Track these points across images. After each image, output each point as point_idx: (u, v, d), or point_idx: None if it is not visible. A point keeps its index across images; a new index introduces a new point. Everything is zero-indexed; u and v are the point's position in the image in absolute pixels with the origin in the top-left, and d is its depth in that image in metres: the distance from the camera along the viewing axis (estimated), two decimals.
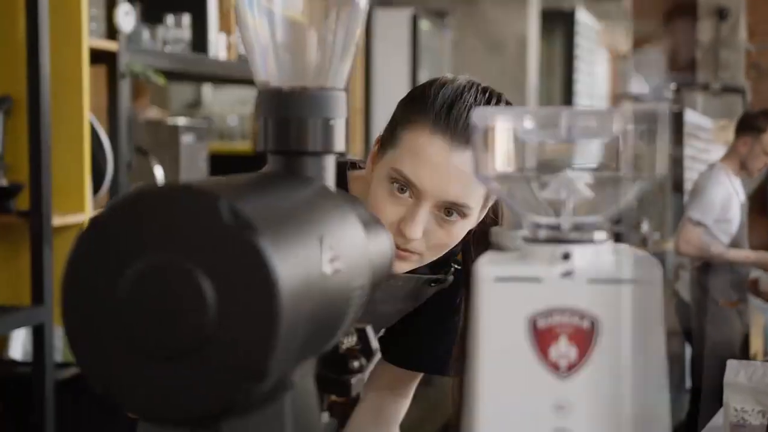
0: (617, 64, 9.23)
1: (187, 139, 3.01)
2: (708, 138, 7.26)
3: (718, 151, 8.11)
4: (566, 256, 0.67)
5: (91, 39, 2.52)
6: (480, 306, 0.67)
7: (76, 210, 2.45)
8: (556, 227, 0.70)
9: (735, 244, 4.19)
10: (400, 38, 5.60)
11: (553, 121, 0.68)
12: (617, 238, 0.72)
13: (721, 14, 9.12)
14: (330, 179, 0.79)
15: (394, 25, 5.57)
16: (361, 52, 4.65)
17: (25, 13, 2.33)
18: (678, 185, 6.76)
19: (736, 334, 4.21)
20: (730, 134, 8.10)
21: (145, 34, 2.90)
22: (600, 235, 0.69)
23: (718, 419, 2.12)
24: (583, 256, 0.68)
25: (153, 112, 3.96)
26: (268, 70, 0.78)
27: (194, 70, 3.11)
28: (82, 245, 0.62)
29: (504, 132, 0.69)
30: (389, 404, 1.51)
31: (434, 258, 1.29)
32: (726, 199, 4.12)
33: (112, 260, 0.61)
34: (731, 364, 1.94)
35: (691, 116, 6.78)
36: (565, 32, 7.07)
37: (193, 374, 0.60)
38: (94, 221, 0.62)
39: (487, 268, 0.67)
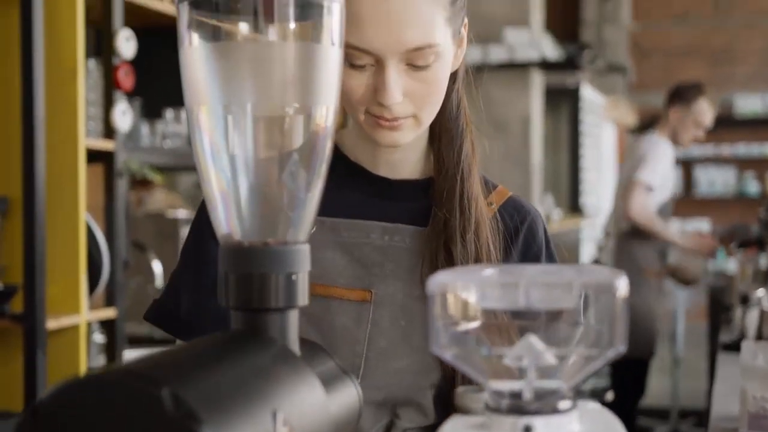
0: (624, 136, 9.27)
1: (187, 232, 3.00)
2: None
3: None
4: (528, 430, 0.65)
5: (88, 139, 2.53)
6: None
7: (71, 312, 2.44)
8: (518, 394, 0.68)
9: (661, 213, 4.21)
10: None
11: (512, 289, 0.67)
12: None
13: None
14: (293, 335, 0.77)
15: None
16: None
17: (22, 113, 2.35)
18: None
19: (657, 306, 4.20)
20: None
21: (144, 129, 2.92)
22: (565, 404, 0.67)
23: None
24: (546, 427, 0.65)
25: (159, 196, 3.96)
26: (230, 224, 0.77)
27: (193, 165, 3.11)
28: None
29: (462, 299, 0.68)
30: None
31: (432, 115, 1.17)
32: (668, 168, 4.15)
33: None
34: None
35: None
36: (570, 108, 7.11)
37: None
38: (34, 408, 0.60)
39: None
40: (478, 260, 1.17)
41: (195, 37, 0.75)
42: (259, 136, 0.76)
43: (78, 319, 2.45)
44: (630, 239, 4.21)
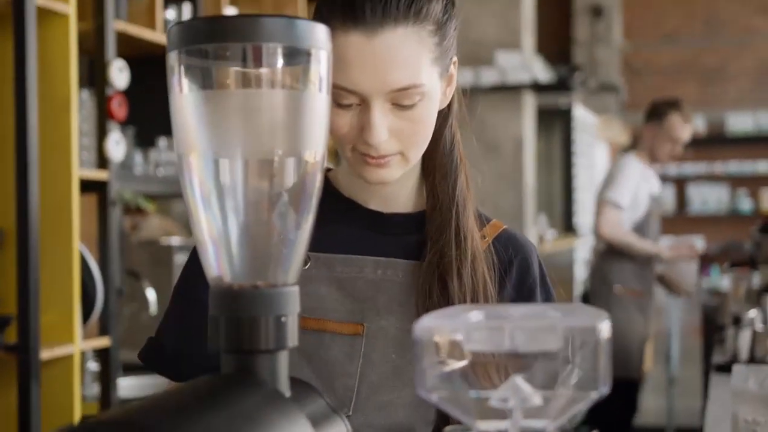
0: (617, 155, 9.32)
1: (181, 259, 3.02)
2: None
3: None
4: None
5: (82, 169, 2.55)
6: None
7: (66, 341, 2.44)
8: None
9: (638, 230, 4.20)
10: None
11: (497, 333, 0.68)
12: None
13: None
14: (283, 376, 0.78)
15: None
16: None
17: (16, 144, 2.36)
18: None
19: (635, 326, 4.16)
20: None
21: (138, 157, 2.93)
22: None
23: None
24: None
25: (154, 222, 3.97)
26: (220, 267, 0.78)
27: None
28: None
29: (448, 341, 0.69)
30: None
31: (420, 152, 1.18)
32: (637, 186, 4.16)
33: None
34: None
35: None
36: (562, 129, 7.14)
37: None
38: None
39: None
40: (474, 294, 1.18)
41: (185, 85, 0.76)
42: (249, 181, 0.78)
43: (72, 349, 2.46)
44: (607, 258, 4.23)
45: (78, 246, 2.49)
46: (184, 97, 0.77)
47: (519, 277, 1.26)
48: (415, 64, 1.12)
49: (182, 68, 0.76)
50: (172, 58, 0.76)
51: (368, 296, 1.21)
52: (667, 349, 5.51)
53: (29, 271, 2.34)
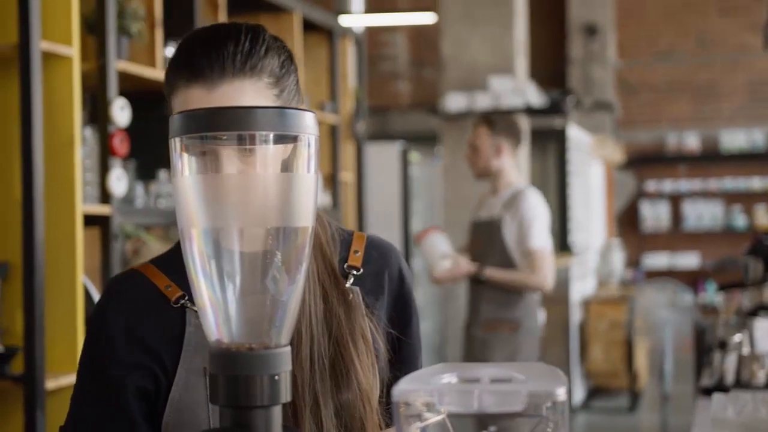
0: (612, 173, 9.40)
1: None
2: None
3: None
4: None
5: (85, 204, 2.63)
6: None
7: (70, 371, 2.52)
8: None
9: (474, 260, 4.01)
10: (391, 170, 5.80)
11: (467, 396, 0.76)
12: None
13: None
14: (276, 428, 0.86)
15: (385, 157, 5.78)
16: (353, 186, 4.77)
17: (21, 180, 2.45)
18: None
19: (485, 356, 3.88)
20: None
21: (139, 189, 3.02)
22: None
23: None
24: None
25: (155, 248, 4.02)
26: (219, 331, 0.87)
27: None
28: None
29: (422, 404, 0.77)
30: None
31: None
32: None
33: None
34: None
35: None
36: (557, 149, 7.22)
37: None
38: None
39: None
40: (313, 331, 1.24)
41: (186, 169, 0.85)
42: (244, 252, 0.86)
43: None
44: None
45: (81, 278, 2.57)
46: (185, 178, 0.85)
47: (397, 289, 1.34)
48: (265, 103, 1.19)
49: (183, 153, 0.85)
50: (175, 144, 0.85)
51: None
52: (660, 366, 5.58)
53: (35, 303, 2.42)
